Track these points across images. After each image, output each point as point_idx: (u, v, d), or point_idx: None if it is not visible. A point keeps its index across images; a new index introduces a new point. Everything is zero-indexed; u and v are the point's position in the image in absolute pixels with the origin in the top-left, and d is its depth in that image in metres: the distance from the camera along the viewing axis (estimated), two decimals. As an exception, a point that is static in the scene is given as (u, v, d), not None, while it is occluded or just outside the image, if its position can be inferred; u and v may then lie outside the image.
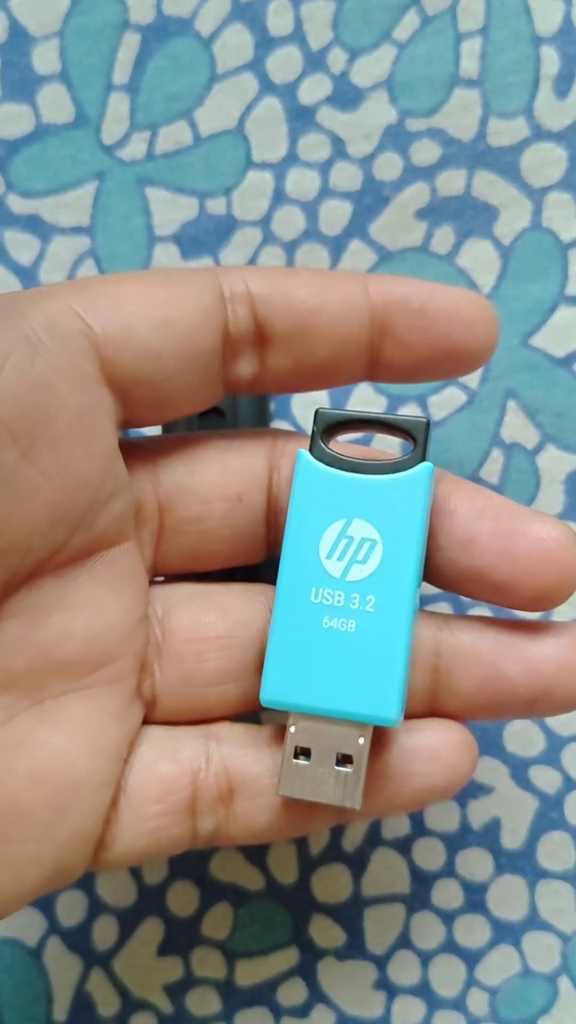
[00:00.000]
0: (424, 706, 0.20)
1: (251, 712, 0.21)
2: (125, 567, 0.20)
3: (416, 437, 0.20)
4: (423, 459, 0.20)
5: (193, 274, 0.20)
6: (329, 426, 0.20)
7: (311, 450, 0.20)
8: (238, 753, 0.20)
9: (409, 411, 0.27)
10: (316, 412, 0.21)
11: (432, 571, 0.20)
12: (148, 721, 0.21)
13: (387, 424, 0.20)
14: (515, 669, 0.19)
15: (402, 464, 0.20)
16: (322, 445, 0.20)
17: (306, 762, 0.20)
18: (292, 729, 0.20)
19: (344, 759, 0.19)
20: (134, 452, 0.21)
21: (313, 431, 0.21)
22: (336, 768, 0.19)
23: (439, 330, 0.20)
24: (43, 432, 0.18)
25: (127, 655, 0.20)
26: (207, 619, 0.21)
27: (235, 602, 0.21)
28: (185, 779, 0.20)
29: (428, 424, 0.20)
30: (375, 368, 0.20)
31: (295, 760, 0.20)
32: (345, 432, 0.21)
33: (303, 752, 0.20)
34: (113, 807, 0.20)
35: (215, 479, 0.21)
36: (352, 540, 0.20)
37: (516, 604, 0.19)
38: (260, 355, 0.20)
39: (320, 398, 0.27)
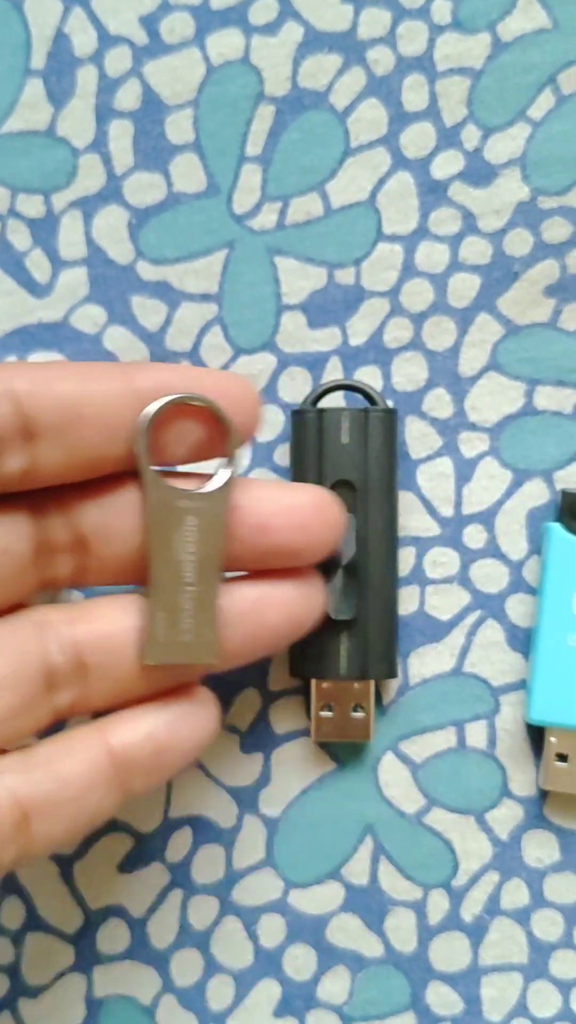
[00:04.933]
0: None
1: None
2: None
3: None
4: None
5: None
6: (574, 504, 0.26)
7: (561, 522, 0.26)
8: (23, 779, 0.21)
9: (535, 485, 0.27)
10: (562, 492, 0.26)
11: (231, 558, 0.23)
12: None
13: None
14: (274, 617, 0.23)
15: None
16: (570, 519, 0.26)
17: (564, 764, 0.26)
18: (553, 740, 0.26)
19: None
20: None
21: (562, 508, 0.26)
22: None
23: (206, 411, 0.22)
24: None
25: None
26: None
27: (4, 639, 0.22)
28: None
29: None
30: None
31: (556, 763, 0.26)
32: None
33: (561, 757, 0.26)
34: None
35: None
36: None
37: (308, 561, 0.23)
38: (30, 449, 0.21)
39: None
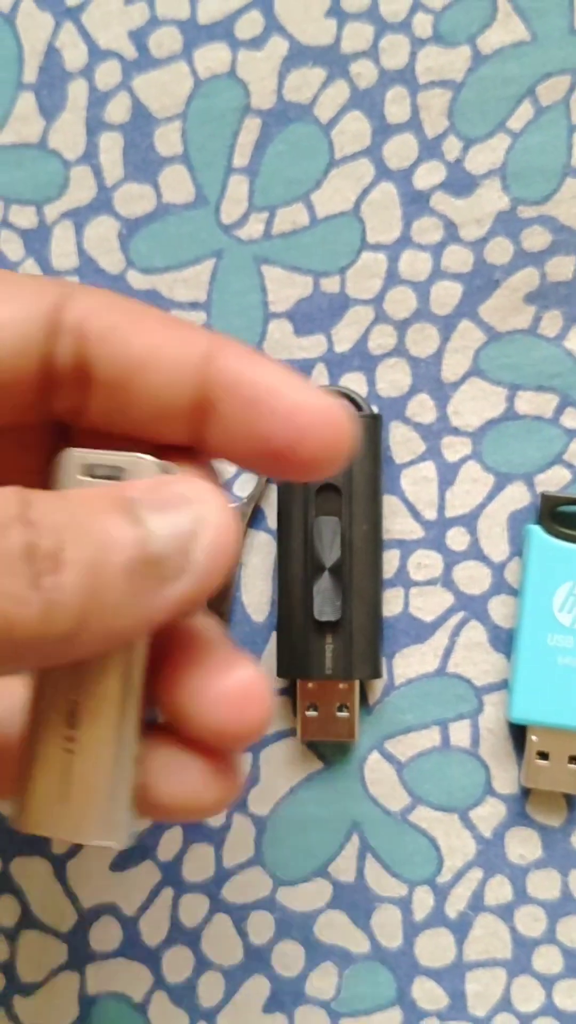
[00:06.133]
0: None
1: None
2: None
3: None
4: None
5: (28, 286, 0.18)
6: (553, 507, 0.26)
7: (541, 524, 0.26)
8: None
9: (517, 488, 0.28)
10: (542, 495, 0.26)
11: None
12: None
13: None
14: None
15: None
16: (550, 522, 0.26)
17: (545, 762, 0.26)
18: (534, 738, 0.26)
19: (574, 759, 0.26)
20: None
21: (542, 510, 0.26)
22: (568, 766, 0.26)
23: (263, 430, 0.18)
24: None
25: None
26: None
27: None
28: None
29: None
30: (198, 443, 0.19)
31: (537, 760, 0.26)
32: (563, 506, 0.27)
33: (542, 755, 0.26)
34: None
35: None
36: None
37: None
38: (80, 394, 0.19)
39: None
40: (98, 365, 0.18)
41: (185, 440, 0.19)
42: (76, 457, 0.18)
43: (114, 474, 0.18)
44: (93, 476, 0.18)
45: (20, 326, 0.18)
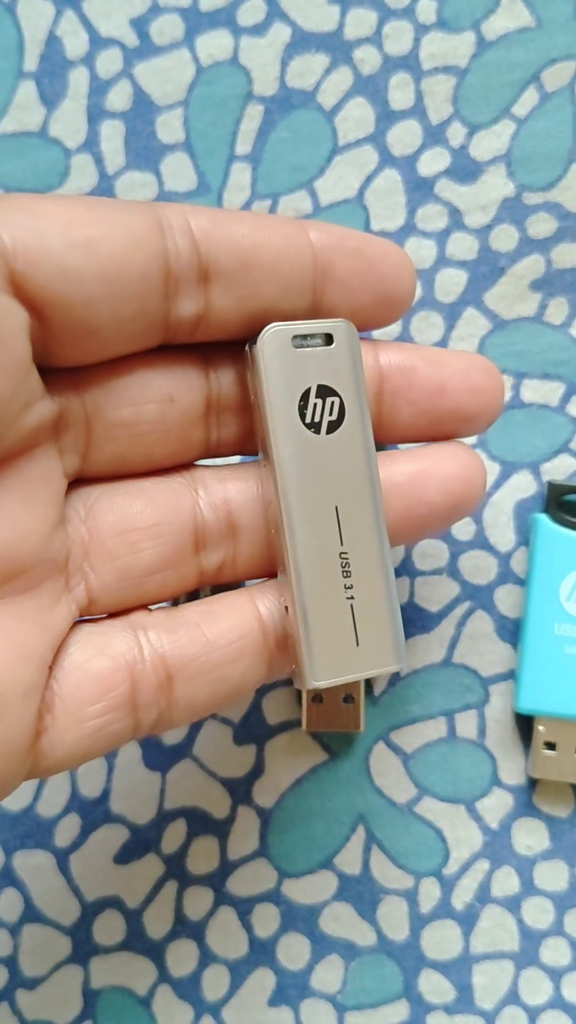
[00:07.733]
0: None
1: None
2: (37, 474, 0.19)
3: None
4: None
5: (127, 203, 0.19)
6: (559, 495, 0.26)
7: (547, 513, 0.26)
8: (169, 638, 0.20)
9: (523, 477, 0.27)
10: (548, 484, 0.26)
11: (402, 427, 0.22)
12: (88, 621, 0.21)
13: None
14: (433, 493, 0.22)
15: None
16: (557, 510, 0.26)
17: (553, 753, 0.26)
18: (541, 728, 0.26)
19: None
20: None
21: (548, 498, 0.26)
22: (575, 756, 0.26)
23: (376, 273, 0.21)
24: None
25: (43, 561, 0.19)
26: (135, 509, 0.21)
27: (159, 488, 0.21)
28: (122, 674, 0.20)
29: None
30: (316, 313, 0.21)
31: (544, 751, 0.26)
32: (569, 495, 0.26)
33: (549, 745, 0.26)
34: (48, 714, 0.19)
35: (144, 381, 0.20)
36: None
37: (479, 428, 0.23)
38: (203, 293, 0.20)
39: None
40: (213, 256, 0.20)
41: (307, 307, 0.21)
42: (284, 330, 0.21)
43: (325, 342, 0.21)
44: (304, 346, 0.21)
45: (127, 222, 0.19)
